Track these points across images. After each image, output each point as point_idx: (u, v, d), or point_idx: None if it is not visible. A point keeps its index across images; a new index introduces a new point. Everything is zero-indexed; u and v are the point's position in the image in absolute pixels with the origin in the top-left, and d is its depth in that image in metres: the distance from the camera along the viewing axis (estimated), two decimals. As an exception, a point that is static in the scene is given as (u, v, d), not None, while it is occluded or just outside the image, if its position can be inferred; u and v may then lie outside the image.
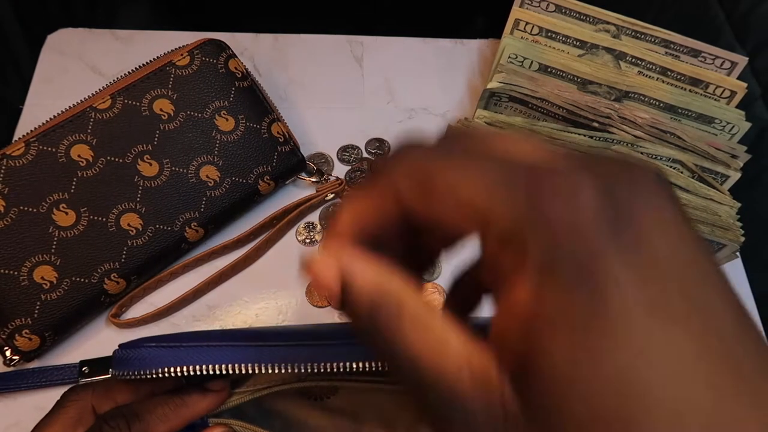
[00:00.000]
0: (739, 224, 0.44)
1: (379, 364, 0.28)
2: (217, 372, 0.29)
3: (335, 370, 0.28)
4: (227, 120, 0.48)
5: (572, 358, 0.15)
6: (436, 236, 0.21)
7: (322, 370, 0.28)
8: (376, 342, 0.18)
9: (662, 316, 0.15)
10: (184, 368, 0.29)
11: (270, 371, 0.28)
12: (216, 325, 0.48)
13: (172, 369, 0.29)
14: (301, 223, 0.53)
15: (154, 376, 0.29)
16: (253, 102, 0.50)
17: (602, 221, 0.15)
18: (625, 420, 0.14)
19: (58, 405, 0.32)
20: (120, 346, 0.31)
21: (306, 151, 0.54)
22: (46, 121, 0.45)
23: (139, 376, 0.29)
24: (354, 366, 0.28)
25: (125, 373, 0.30)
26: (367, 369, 0.28)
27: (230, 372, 0.29)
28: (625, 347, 0.14)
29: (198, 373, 0.29)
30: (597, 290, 0.15)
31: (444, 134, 0.19)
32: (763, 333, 0.19)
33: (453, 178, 0.17)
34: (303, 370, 0.28)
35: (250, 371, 0.28)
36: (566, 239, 0.15)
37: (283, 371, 0.28)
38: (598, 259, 0.15)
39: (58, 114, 0.46)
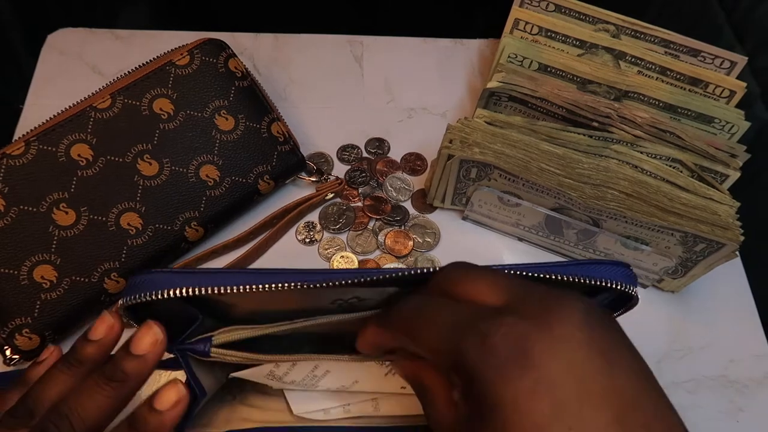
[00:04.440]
0: (739, 224, 0.44)
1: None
2: (233, 291, 0.29)
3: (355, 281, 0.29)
4: (227, 119, 0.48)
5: None
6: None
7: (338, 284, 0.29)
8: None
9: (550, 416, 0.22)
10: (197, 289, 0.29)
11: (282, 287, 0.29)
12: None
13: (185, 289, 0.29)
14: (301, 223, 0.53)
15: (166, 297, 0.29)
16: (253, 101, 0.50)
17: (506, 361, 0.23)
18: None
19: None
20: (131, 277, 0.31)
21: (306, 151, 0.54)
22: (46, 121, 0.45)
23: (148, 299, 0.30)
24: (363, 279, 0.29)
25: (136, 297, 0.30)
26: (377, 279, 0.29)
27: (245, 290, 0.29)
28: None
29: (211, 292, 0.29)
30: (495, 411, 0.23)
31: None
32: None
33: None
34: (318, 286, 0.29)
35: (265, 288, 0.29)
36: (478, 375, 0.24)
37: (299, 287, 0.29)
38: (497, 386, 0.23)
39: (58, 113, 0.46)
